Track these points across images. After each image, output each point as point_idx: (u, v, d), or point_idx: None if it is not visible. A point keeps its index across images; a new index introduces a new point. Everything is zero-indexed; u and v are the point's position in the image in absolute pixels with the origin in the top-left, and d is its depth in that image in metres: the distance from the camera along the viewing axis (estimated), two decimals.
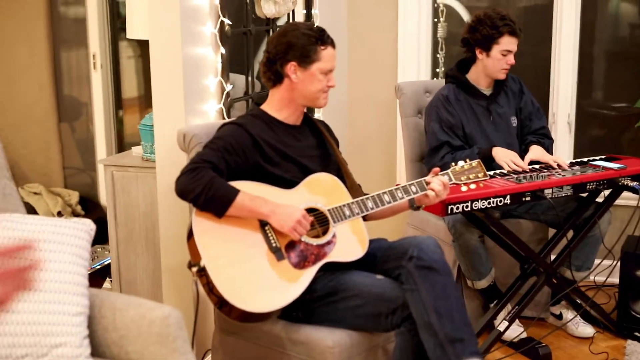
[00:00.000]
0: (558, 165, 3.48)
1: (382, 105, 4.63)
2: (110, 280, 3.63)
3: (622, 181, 3.39)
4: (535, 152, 3.60)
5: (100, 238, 3.85)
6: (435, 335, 2.45)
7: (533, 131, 3.78)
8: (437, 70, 4.68)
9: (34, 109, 4.93)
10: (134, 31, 3.50)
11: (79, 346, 2.23)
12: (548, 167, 3.49)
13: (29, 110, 4.94)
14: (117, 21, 4.90)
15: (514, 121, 3.77)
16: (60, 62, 5.00)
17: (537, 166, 3.52)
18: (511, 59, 3.60)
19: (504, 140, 3.66)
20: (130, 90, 5.09)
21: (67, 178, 5.08)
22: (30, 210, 4.68)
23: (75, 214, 4.80)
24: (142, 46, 4.91)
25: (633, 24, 4.53)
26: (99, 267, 4.13)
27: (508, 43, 3.57)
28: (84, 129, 5.07)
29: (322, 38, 2.70)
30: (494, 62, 3.61)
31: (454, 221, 3.47)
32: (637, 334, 3.63)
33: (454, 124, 3.64)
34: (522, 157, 3.56)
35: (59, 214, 4.67)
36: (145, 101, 5.07)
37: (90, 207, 4.94)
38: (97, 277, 4.11)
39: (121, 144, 5.06)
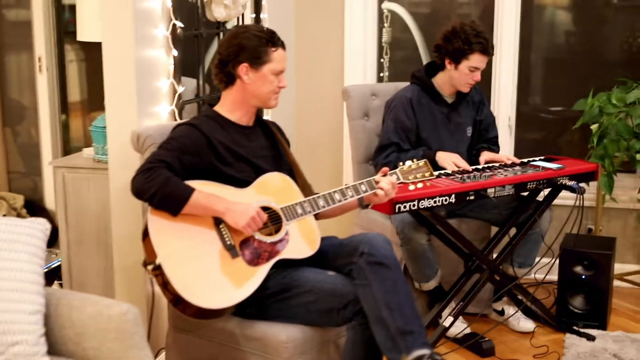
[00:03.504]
0: (513, 163, 3.61)
1: (329, 108, 4.69)
2: (60, 284, 3.62)
3: (561, 181, 3.51)
4: (487, 154, 3.73)
5: (47, 241, 3.83)
6: (386, 328, 2.51)
7: (486, 140, 3.90)
8: (381, 74, 4.78)
9: None
10: (84, 34, 3.51)
11: (36, 344, 2.25)
12: (496, 167, 3.60)
13: None
14: (62, 24, 4.87)
15: (469, 131, 3.86)
16: (4, 66, 4.95)
17: (479, 166, 3.63)
18: (477, 76, 3.65)
19: (456, 149, 3.72)
20: (74, 94, 5.07)
21: (12, 182, 5.03)
22: None
23: (20, 217, 4.75)
24: (87, 50, 4.89)
25: (568, 32, 4.70)
26: (46, 270, 4.09)
27: (477, 60, 3.61)
28: (28, 132, 5.02)
29: (272, 40, 2.76)
30: (461, 76, 3.66)
31: (402, 226, 3.54)
32: (575, 327, 3.75)
33: (409, 128, 3.71)
34: (473, 163, 3.68)
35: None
36: (88, 105, 5.05)
37: (37, 211, 4.90)
38: (45, 280, 4.08)
39: (66, 148, 5.03)
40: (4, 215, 4.63)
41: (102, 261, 3.39)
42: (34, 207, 4.92)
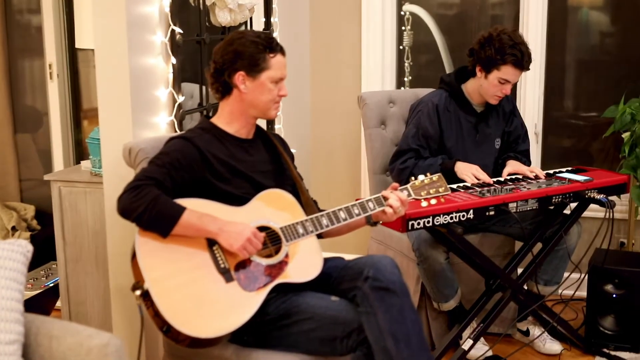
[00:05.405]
0: (536, 176, 3.38)
1: (346, 116, 4.53)
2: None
3: (589, 194, 3.30)
4: (512, 165, 3.51)
5: (55, 254, 3.71)
6: None
7: (516, 153, 3.68)
8: (404, 79, 4.59)
9: None
10: (82, 40, 3.36)
11: None
12: (520, 179, 3.39)
13: None
14: (74, 30, 4.74)
15: (498, 143, 3.64)
16: (17, 72, 4.85)
17: (502, 178, 3.42)
18: (507, 89, 3.43)
19: (482, 161, 3.51)
20: (94, 101, 4.94)
21: (24, 191, 4.92)
22: None
23: (30, 229, 4.64)
24: None
25: (603, 32, 4.46)
26: (52, 284, 3.97)
27: (508, 73, 3.38)
28: (42, 140, 4.91)
29: (270, 45, 2.57)
30: (489, 87, 3.43)
31: (418, 243, 3.34)
32: (605, 350, 3.55)
33: (431, 135, 3.51)
34: (499, 173, 3.47)
35: (14, 229, 4.51)
36: None
37: (47, 222, 4.78)
38: (50, 295, 3.96)
39: (82, 155, 4.91)
40: (13, 227, 4.51)
41: (101, 280, 3.24)
42: (45, 218, 4.79)
